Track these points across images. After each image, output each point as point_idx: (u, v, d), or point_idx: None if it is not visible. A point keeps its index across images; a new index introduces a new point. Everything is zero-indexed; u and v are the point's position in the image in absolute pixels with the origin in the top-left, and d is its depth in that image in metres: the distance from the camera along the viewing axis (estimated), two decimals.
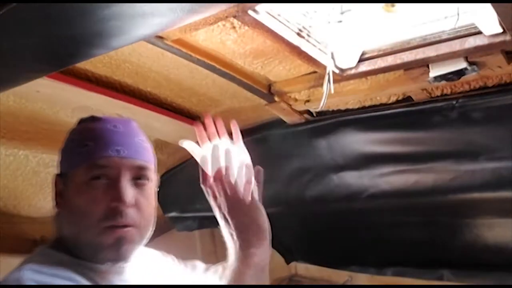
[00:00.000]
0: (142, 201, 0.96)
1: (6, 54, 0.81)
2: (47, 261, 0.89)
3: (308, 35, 1.41)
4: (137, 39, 0.82)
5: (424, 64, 1.42)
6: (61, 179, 0.99)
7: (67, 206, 0.95)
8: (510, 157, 1.45)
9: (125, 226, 0.92)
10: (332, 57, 1.48)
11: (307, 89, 1.68)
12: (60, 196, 0.98)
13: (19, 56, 0.84)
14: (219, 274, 1.12)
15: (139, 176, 0.97)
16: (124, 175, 0.94)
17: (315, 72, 1.56)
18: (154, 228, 1.01)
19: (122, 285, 0.96)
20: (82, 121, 1.04)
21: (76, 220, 0.93)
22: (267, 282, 1.02)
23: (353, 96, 1.70)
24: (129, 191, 0.93)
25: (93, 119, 1.02)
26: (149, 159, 1.01)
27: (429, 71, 1.42)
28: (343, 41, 1.49)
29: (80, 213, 0.92)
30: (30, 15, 0.67)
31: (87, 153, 0.94)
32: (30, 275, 0.83)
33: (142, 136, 1.03)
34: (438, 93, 1.60)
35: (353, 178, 1.79)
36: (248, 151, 1.20)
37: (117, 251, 0.92)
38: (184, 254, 1.24)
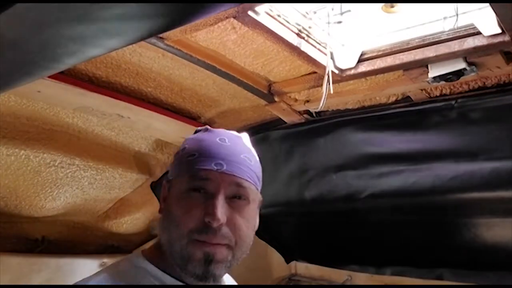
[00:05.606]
0: (239, 221, 0.90)
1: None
2: (124, 272, 0.91)
3: (308, 36, 1.42)
4: (137, 41, 0.83)
5: (423, 64, 1.43)
6: (167, 185, 0.98)
7: (167, 213, 0.95)
8: (508, 157, 1.45)
9: (217, 244, 0.88)
10: (332, 58, 1.48)
11: (307, 90, 1.68)
12: (164, 201, 0.98)
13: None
14: None
15: (238, 195, 0.91)
16: (222, 191, 0.89)
17: (314, 72, 1.57)
18: (248, 250, 0.95)
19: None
20: (196, 131, 1.04)
21: (171, 228, 0.91)
22: None
23: (353, 96, 1.70)
24: (222, 208, 0.88)
25: (206, 129, 1.01)
26: (251, 178, 0.94)
27: (428, 72, 1.43)
28: (343, 42, 1.50)
29: (174, 222, 0.91)
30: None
31: (191, 163, 0.93)
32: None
33: (250, 154, 0.98)
34: (437, 93, 1.60)
35: (353, 178, 1.79)
36: None
37: (205, 267, 0.88)
38: None
